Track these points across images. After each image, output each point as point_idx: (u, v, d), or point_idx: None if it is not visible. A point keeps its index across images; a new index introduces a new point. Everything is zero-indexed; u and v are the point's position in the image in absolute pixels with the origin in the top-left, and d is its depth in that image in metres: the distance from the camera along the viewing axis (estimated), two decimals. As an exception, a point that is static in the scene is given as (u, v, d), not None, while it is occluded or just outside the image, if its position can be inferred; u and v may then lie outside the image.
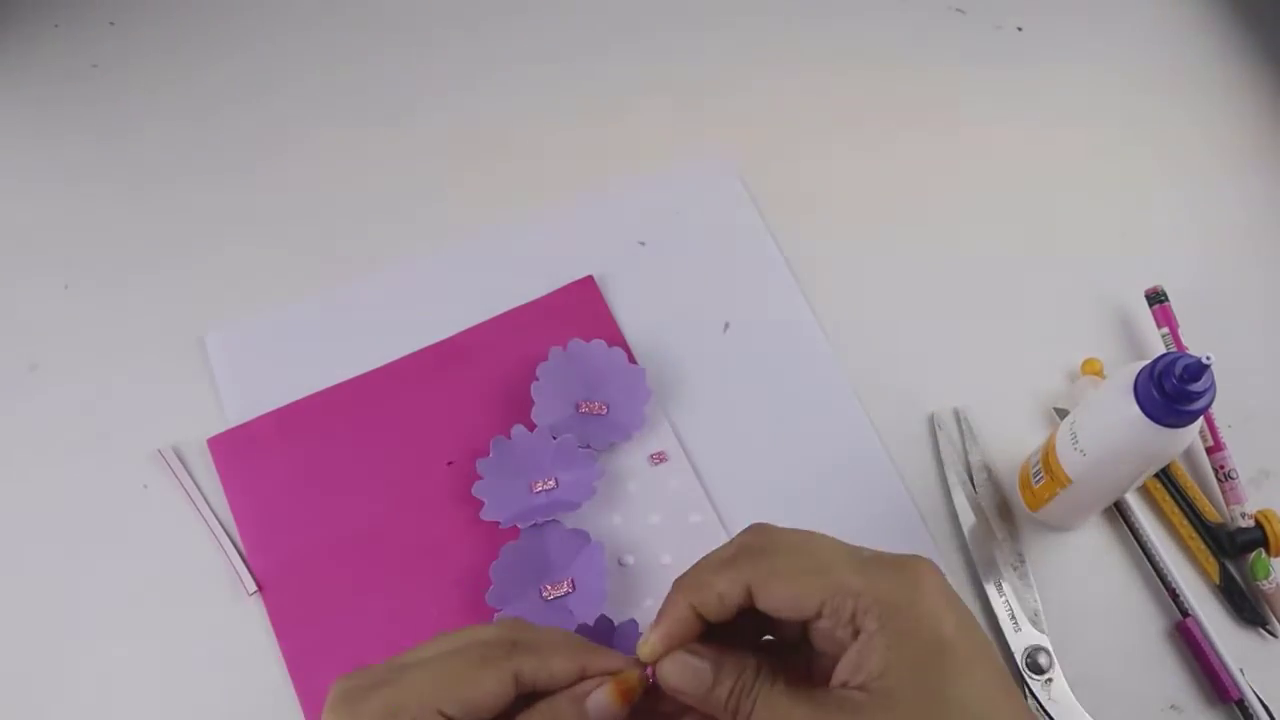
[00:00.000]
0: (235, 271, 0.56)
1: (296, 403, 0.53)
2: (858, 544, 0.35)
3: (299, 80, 0.62)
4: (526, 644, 0.34)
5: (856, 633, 0.33)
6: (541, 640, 0.35)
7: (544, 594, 0.48)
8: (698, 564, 0.35)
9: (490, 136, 0.61)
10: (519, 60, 0.63)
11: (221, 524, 0.50)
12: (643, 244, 0.58)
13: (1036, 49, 0.66)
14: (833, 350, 0.55)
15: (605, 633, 0.46)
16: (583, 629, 0.45)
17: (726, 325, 0.55)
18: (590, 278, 0.56)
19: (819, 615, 0.33)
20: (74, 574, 0.49)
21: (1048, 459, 0.48)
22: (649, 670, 0.35)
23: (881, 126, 0.62)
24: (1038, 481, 0.49)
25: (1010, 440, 0.53)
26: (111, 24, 0.64)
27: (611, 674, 0.35)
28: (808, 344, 0.55)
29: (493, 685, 0.33)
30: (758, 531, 0.36)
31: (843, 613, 0.32)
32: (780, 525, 0.36)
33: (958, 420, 0.54)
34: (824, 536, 0.35)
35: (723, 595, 0.34)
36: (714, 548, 0.36)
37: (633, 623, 0.47)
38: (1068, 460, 0.46)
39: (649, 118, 0.62)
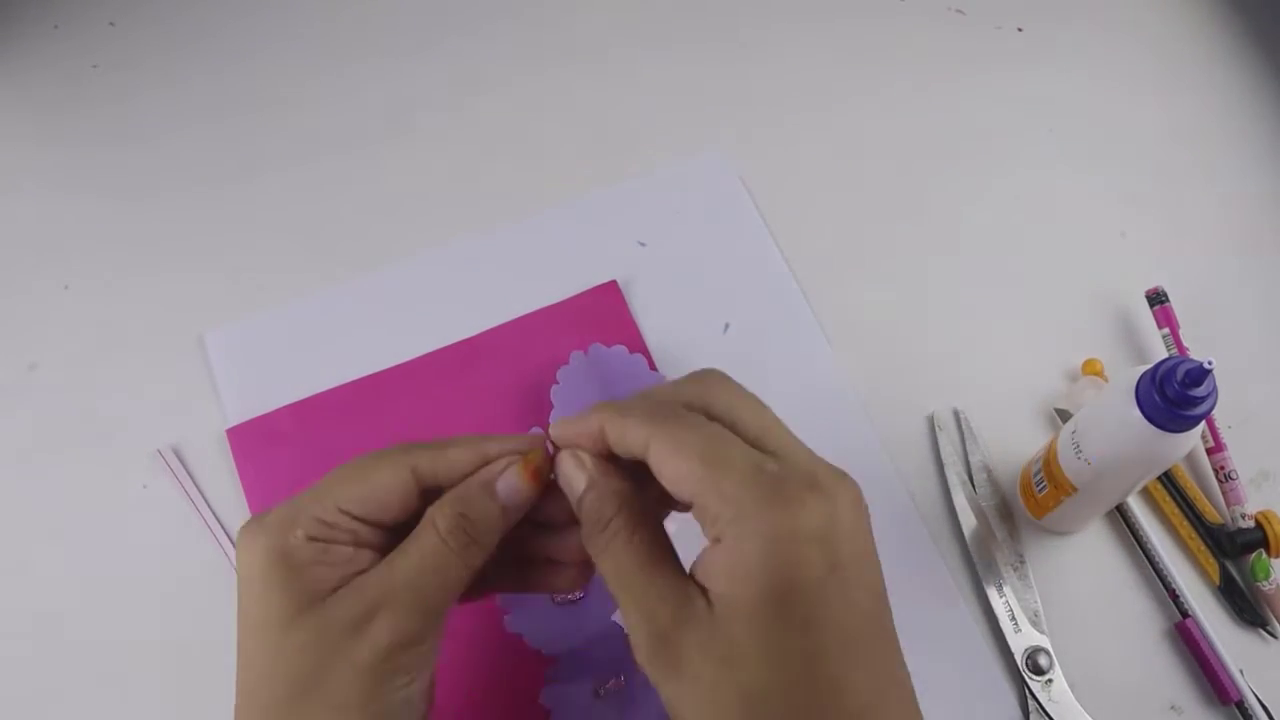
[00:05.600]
0: (236, 271, 0.56)
1: (315, 396, 0.53)
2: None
3: (301, 79, 0.62)
4: (423, 443, 0.34)
5: (718, 539, 0.31)
6: (439, 440, 0.35)
7: (555, 597, 0.48)
8: (640, 392, 0.34)
9: (490, 138, 0.61)
10: (516, 62, 0.63)
11: (221, 524, 0.50)
12: (643, 245, 0.57)
13: (1036, 50, 0.66)
14: (833, 350, 0.55)
15: (615, 640, 0.46)
16: (594, 635, 0.45)
17: (726, 326, 0.55)
18: (614, 283, 0.56)
19: (690, 504, 0.31)
20: (73, 574, 0.49)
21: (1050, 467, 0.47)
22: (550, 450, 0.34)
23: (881, 127, 0.62)
24: (1041, 490, 0.49)
25: (1010, 441, 0.53)
26: (112, 24, 0.64)
27: (519, 454, 0.34)
28: (808, 344, 0.55)
29: (388, 478, 0.33)
30: (704, 384, 0.34)
31: (707, 513, 0.31)
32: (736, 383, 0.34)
33: (958, 420, 0.54)
34: (759, 422, 0.33)
35: (627, 439, 0.32)
36: None
37: None
38: (1071, 468, 0.46)
39: (649, 118, 0.62)
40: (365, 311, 0.56)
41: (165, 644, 0.48)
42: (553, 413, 0.51)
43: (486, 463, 0.34)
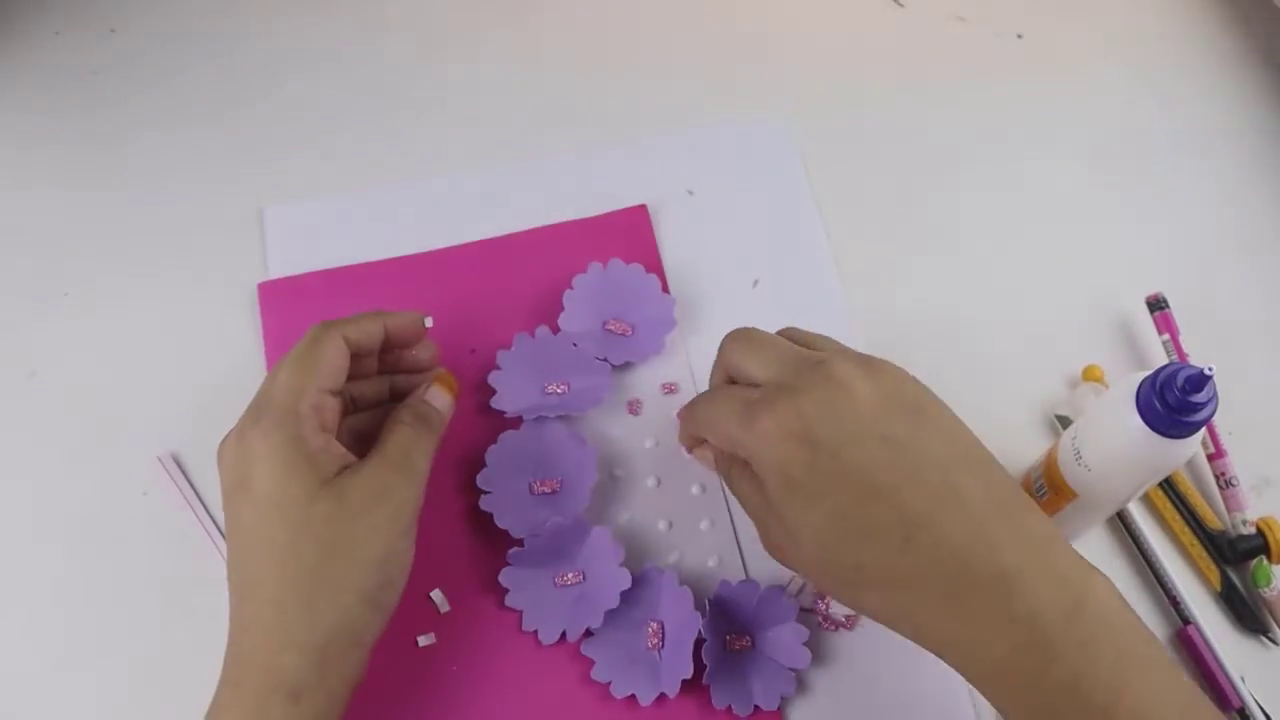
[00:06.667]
0: (236, 275, 0.56)
1: (348, 267, 0.56)
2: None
3: (300, 79, 0.63)
4: (339, 319, 0.43)
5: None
6: (350, 316, 0.44)
7: (532, 487, 0.49)
8: (701, 396, 0.45)
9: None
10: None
11: (221, 531, 0.50)
12: (691, 193, 0.59)
13: (1036, 56, 0.66)
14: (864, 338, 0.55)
15: (580, 535, 0.48)
16: (557, 526, 0.47)
17: (756, 282, 0.56)
18: (644, 206, 0.58)
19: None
20: (73, 580, 0.49)
21: (1050, 473, 0.47)
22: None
23: (880, 133, 0.62)
24: (1042, 496, 0.49)
25: (1010, 446, 0.53)
26: (112, 31, 0.64)
27: (427, 372, 0.48)
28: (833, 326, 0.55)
29: (338, 348, 0.42)
30: (721, 353, 0.44)
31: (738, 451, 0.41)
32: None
33: (958, 427, 0.53)
34: (756, 361, 0.41)
35: (690, 432, 0.48)
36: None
37: (603, 532, 0.48)
38: (1071, 474, 0.46)
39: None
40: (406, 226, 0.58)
41: (164, 648, 0.48)
42: (562, 315, 0.53)
43: (387, 329, 0.45)
